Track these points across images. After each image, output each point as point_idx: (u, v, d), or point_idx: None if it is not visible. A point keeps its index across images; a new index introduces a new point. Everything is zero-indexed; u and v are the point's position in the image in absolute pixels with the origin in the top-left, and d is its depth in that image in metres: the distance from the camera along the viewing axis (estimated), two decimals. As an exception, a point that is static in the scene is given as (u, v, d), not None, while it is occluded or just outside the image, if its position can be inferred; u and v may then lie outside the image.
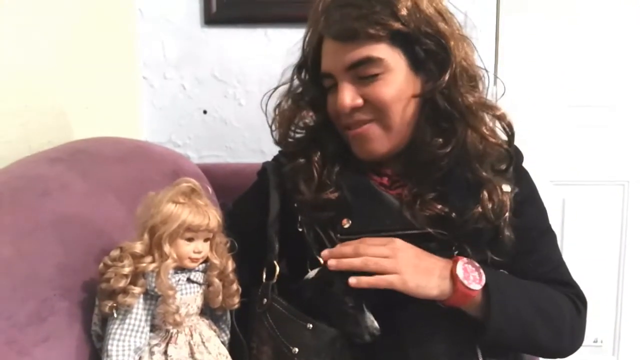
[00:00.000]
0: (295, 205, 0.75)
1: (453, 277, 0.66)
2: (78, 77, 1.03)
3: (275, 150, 0.87)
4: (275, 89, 0.83)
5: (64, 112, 0.99)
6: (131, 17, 1.28)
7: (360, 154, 0.75)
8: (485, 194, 0.71)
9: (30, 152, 0.83)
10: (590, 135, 1.38)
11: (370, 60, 0.69)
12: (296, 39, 1.31)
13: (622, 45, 1.35)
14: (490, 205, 0.71)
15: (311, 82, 0.78)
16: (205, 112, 1.33)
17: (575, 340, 0.76)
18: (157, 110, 1.34)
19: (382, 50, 0.69)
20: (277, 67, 1.25)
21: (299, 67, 0.79)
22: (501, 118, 0.73)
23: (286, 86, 0.82)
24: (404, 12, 0.68)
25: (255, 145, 1.33)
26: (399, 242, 0.68)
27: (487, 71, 0.75)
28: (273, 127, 0.82)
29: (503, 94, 0.80)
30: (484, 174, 0.72)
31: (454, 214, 0.71)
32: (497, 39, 1.32)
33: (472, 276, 0.67)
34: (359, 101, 0.71)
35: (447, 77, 0.69)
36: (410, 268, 0.65)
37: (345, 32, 0.69)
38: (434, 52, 0.70)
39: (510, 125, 0.73)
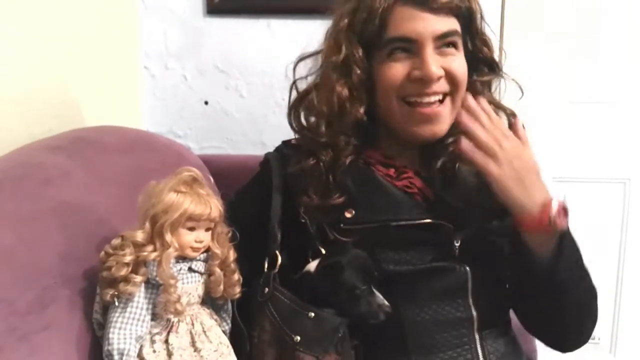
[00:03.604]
0: (301, 209, 0.74)
1: (544, 205, 0.66)
2: (79, 66, 1.02)
3: (276, 142, 0.86)
4: (313, 54, 0.78)
5: (65, 100, 0.98)
6: (133, 6, 1.27)
7: (423, 133, 0.74)
8: None
9: (30, 139, 0.82)
10: (592, 132, 1.38)
11: (456, 33, 0.71)
12: (299, 30, 1.31)
13: (624, 42, 1.34)
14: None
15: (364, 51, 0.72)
16: (206, 103, 1.33)
17: (584, 331, 0.77)
18: (158, 100, 1.33)
19: (459, 27, 0.71)
20: (279, 59, 1.26)
21: (350, 29, 0.72)
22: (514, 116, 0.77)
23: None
24: None
25: (256, 137, 1.33)
26: (519, 149, 0.68)
27: (517, 83, 0.80)
28: (301, 110, 0.78)
29: (521, 97, 0.83)
30: None
31: (461, 205, 0.71)
32: (501, 35, 1.31)
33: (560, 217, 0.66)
34: (442, 72, 0.71)
35: (490, 78, 0.75)
36: (512, 172, 0.66)
37: (439, 1, 0.68)
38: (478, 50, 0.74)
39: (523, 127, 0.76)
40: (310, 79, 0.79)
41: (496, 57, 0.78)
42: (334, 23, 0.75)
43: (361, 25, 0.71)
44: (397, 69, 0.71)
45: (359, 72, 0.72)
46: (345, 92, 0.72)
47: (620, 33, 1.34)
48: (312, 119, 0.77)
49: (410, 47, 0.70)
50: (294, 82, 0.80)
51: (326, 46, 0.76)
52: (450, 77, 0.71)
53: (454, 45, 0.71)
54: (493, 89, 0.81)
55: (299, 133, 0.79)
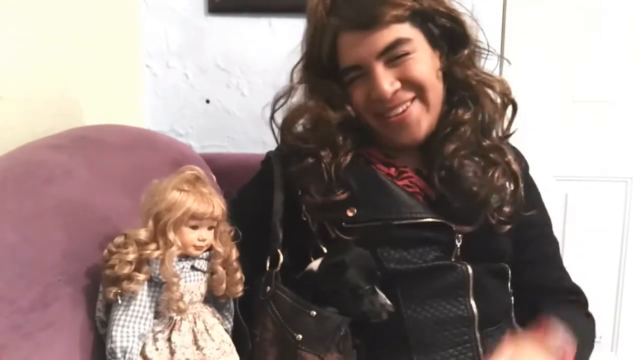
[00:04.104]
0: (303, 208, 0.74)
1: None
2: (81, 65, 1.03)
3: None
4: (287, 93, 0.80)
5: (67, 99, 0.98)
6: (135, 5, 1.27)
7: (402, 140, 0.75)
8: (496, 174, 0.73)
9: (32, 138, 0.82)
10: (593, 131, 1.38)
11: (400, 42, 0.70)
12: (300, 29, 1.30)
13: (627, 41, 1.34)
14: (501, 183, 0.73)
15: (329, 79, 0.75)
16: (207, 101, 1.33)
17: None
18: (160, 99, 1.33)
19: (407, 30, 0.71)
20: (280, 57, 1.26)
21: (307, 67, 0.77)
22: (506, 94, 0.76)
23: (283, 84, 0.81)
24: None
25: (257, 136, 1.33)
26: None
27: (496, 53, 0.78)
28: (284, 129, 0.79)
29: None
30: (488, 142, 0.75)
31: (463, 202, 0.72)
32: (503, 34, 1.31)
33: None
34: (397, 84, 0.71)
35: (465, 52, 0.73)
36: None
37: (371, 19, 0.69)
38: (448, 29, 0.73)
39: (514, 102, 0.77)
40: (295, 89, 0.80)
41: (473, 31, 0.76)
42: (300, 60, 0.78)
43: (316, 62, 0.75)
44: (358, 94, 0.74)
45: (338, 91, 0.75)
46: (327, 108, 0.74)
47: (620, 33, 1.33)
48: (301, 129, 0.79)
49: (361, 72, 0.72)
50: (272, 115, 0.81)
51: (298, 81, 0.78)
52: (409, 83, 0.71)
53: (404, 51, 0.70)
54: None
55: (293, 145, 0.79)
